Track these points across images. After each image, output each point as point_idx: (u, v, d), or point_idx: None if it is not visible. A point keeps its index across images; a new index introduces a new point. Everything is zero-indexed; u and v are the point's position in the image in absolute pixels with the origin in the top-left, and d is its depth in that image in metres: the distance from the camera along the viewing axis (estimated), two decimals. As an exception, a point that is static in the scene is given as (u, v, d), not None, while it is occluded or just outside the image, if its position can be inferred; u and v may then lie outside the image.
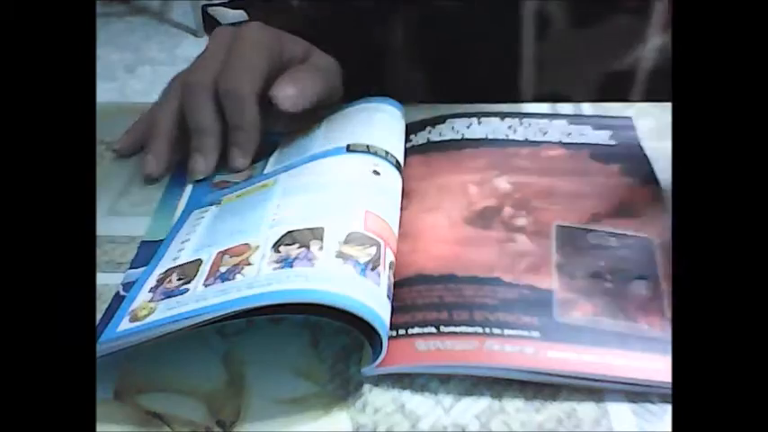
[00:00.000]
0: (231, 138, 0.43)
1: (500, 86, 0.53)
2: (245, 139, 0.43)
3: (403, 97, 0.48)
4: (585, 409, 0.30)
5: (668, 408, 0.30)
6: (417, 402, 0.31)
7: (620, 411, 0.30)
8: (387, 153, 0.41)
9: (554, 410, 0.30)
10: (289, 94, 0.41)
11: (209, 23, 0.56)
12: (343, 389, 0.32)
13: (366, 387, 0.32)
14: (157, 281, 0.35)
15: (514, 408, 0.30)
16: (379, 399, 0.31)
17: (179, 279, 0.34)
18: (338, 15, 0.56)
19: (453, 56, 0.54)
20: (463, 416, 0.30)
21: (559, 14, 0.51)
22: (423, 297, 0.34)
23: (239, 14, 0.56)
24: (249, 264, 0.32)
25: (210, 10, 0.56)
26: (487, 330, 0.32)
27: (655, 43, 0.52)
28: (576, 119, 0.46)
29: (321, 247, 0.32)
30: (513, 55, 0.53)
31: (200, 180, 0.44)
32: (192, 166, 0.44)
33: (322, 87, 0.44)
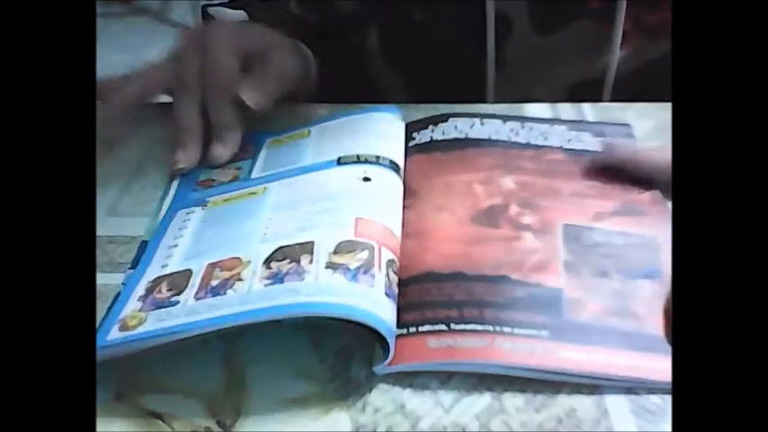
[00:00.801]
0: (214, 133, 0.45)
1: (470, 91, 0.55)
2: (226, 135, 0.45)
3: (381, 98, 0.48)
4: (585, 409, 0.30)
5: (668, 408, 0.30)
6: (417, 402, 0.31)
7: (620, 411, 0.30)
8: (377, 158, 0.41)
9: (554, 410, 0.30)
10: (252, 97, 0.44)
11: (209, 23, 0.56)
12: (343, 389, 0.32)
13: (366, 387, 0.32)
14: (146, 290, 0.35)
15: (514, 408, 0.30)
16: (379, 399, 0.31)
17: (169, 290, 0.34)
18: (323, 19, 0.59)
19: (426, 62, 0.56)
20: (463, 416, 0.30)
21: (524, 21, 0.52)
22: (433, 295, 0.34)
23: (239, 14, 0.56)
24: (240, 279, 0.33)
25: (210, 10, 0.57)
26: (498, 328, 0.32)
27: (619, 49, 0.52)
28: (576, 125, 0.46)
29: (311, 261, 0.33)
30: (481, 60, 0.54)
31: (185, 176, 0.44)
32: (173, 158, 0.44)
33: (286, 83, 0.46)
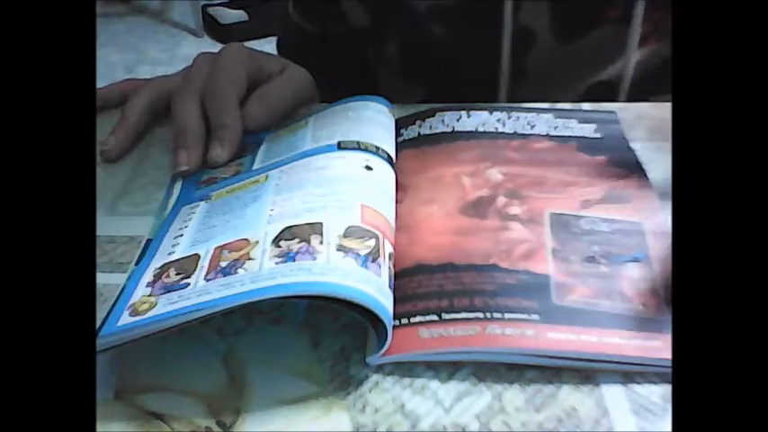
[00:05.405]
0: (213, 135, 0.45)
1: (485, 99, 0.56)
2: (225, 135, 0.45)
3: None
4: (586, 409, 0.30)
5: (668, 408, 0.30)
6: (417, 402, 0.31)
7: (620, 411, 0.30)
8: (377, 148, 0.41)
9: (554, 410, 0.30)
10: (254, 114, 0.46)
11: (210, 23, 0.56)
12: (343, 389, 0.32)
13: (366, 387, 0.32)
14: (154, 275, 0.34)
15: (514, 408, 0.30)
16: (379, 399, 0.31)
17: (177, 274, 0.34)
18: (322, 29, 0.62)
19: (443, 71, 0.58)
20: (463, 416, 0.30)
21: (546, 31, 0.53)
22: (423, 286, 0.34)
23: (239, 14, 0.56)
24: (250, 258, 0.33)
25: (210, 10, 0.58)
26: (488, 315, 0.32)
27: (635, 54, 0.53)
28: (562, 113, 0.47)
29: (321, 241, 0.33)
30: (498, 69, 0.55)
31: (189, 178, 0.44)
32: (175, 160, 0.45)
33: (291, 101, 0.49)
